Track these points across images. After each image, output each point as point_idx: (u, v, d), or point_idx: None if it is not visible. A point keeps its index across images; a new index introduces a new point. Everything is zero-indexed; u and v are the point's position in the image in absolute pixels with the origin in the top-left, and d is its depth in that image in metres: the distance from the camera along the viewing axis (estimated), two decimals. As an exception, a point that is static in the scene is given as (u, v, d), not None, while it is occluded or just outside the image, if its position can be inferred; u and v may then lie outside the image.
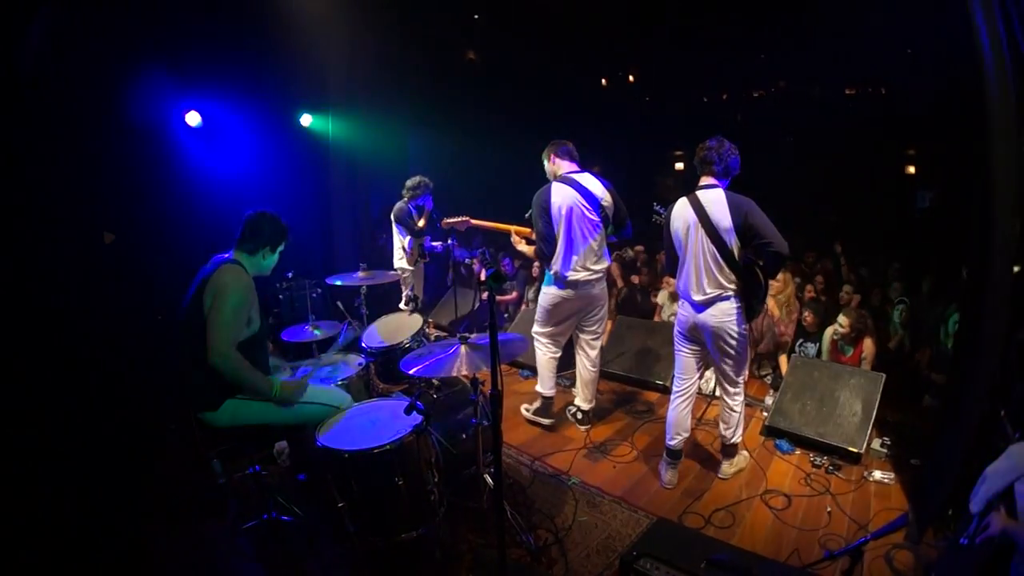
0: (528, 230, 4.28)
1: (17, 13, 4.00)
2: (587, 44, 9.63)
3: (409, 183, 5.99)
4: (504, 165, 4.59)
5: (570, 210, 3.92)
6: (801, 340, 5.26)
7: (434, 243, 6.25)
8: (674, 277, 3.72)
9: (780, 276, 5.42)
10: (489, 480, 3.05)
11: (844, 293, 6.05)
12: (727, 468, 3.83)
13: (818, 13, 8.01)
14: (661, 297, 6.61)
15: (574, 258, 3.99)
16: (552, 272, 4.08)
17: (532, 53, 9.30)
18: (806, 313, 5.27)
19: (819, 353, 5.10)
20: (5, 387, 3.74)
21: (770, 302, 5.37)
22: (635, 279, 7.15)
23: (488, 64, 9.78)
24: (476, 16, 8.76)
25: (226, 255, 2.92)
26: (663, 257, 4.68)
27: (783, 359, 5.31)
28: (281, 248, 3.07)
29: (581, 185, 3.95)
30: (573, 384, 4.73)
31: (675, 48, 10.01)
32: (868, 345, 5.00)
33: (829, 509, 3.46)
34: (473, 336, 2.86)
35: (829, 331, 5.21)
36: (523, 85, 9.71)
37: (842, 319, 4.99)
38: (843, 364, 4.89)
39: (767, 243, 3.20)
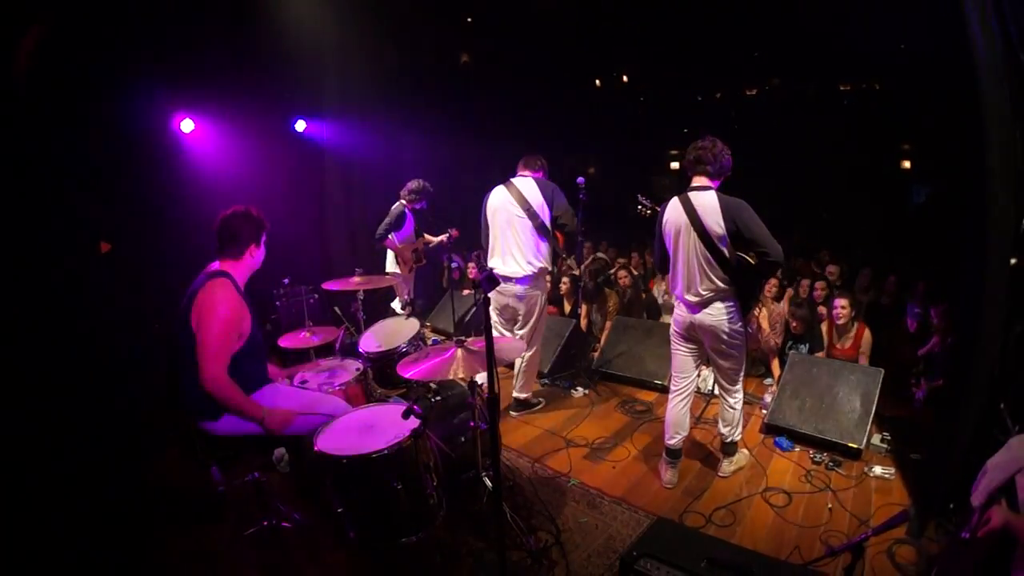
0: None
1: (14, 20, 4.00)
2: (581, 45, 9.63)
3: (411, 186, 6.01)
4: (501, 166, 4.60)
5: (496, 211, 4.32)
6: (791, 343, 5.25)
7: (434, 239, 6.29)
8: (662, 275, 3.75)
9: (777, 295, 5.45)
10: (488, 483, 3.05)
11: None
12: (727, 466, 3.83)
13: (811, 9, 8.03)
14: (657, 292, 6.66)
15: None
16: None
17: (526, 55, 9.31)
18: (792, 323, 5.24)
19: (811, 351, 5.09)
20: (3, 395, 3.72)
21: (763, 321, 5.37)
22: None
23: (482, 67, 9.79)
24: (469, 19, 8.76)
25: (214, 265, 2.89)
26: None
27: (774, 364, 5.32)
28: (264, 238, 3.00)
29: (515, 187, 4.29)
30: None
31: (668, 47, 10.02)
32: (866, 336, 5.01)
33: (830, 506, 3.46)
34: (470, 339, 2.85)
35: (825, 325, 5.22)
36: (517, 87, 9.71)
37: (839, 301, 5.02)
38: (841, 359, 4.90)
39: (763, 252, 3.20)
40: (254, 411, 2.76)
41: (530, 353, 4.57)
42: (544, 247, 4.27)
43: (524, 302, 4.37)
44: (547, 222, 4.23)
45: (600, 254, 8.15)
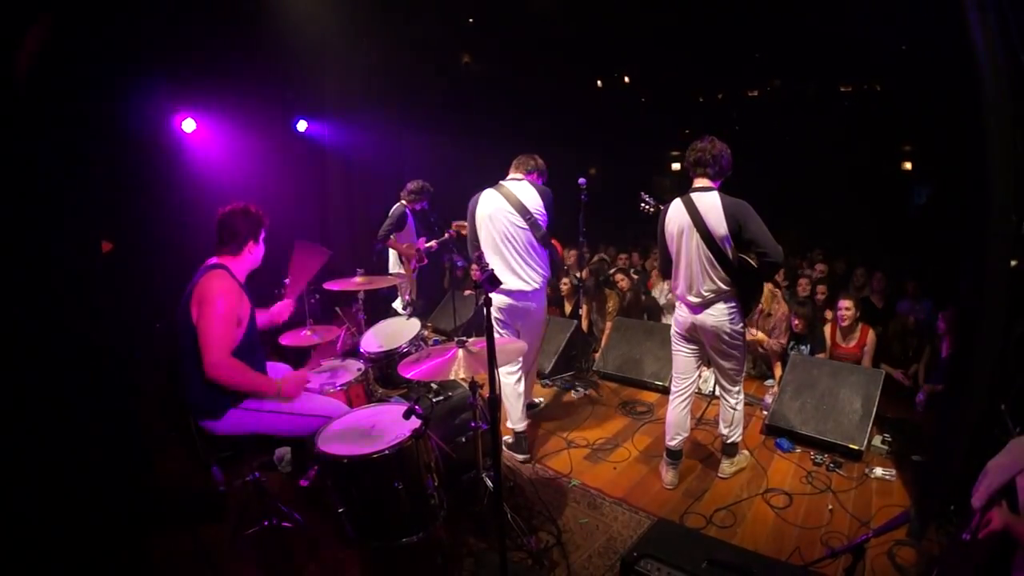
0: None
1: (15, 19, 4.00)
2: (582, 46, 9.64)
3: (411, 186, 6.02)
4: (502, 167, 4.58)
5: (490, 219, 3.87)
6: (792, 343, 5.25)
7: (428, 243, 6.29)
8: (665, 277, 3.73)
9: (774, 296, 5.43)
10: (489, 483, 3.05)
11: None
12: (728, 467, 3.83)
13: (812, 11, 8.04)
14: (656, 293, 6.65)
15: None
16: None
17: (527, 55, 9.32)
18: (796, 321, 5.21)
19: (812, 351, 5.08)
20: (4, 395, 3.73)
21: (759, 334, 5.36)
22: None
23: (483, 67, 9.80)
24: (471, 20, 8.77)
25: (211, 260, 2.91)
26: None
27: (776, 366, 5.31)
28: (263, 235, 3.03)
29: (511, 193, 3.87)
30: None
31: (670, 48, 10.03)
32: (870, 336, 4.99)
33: (831, 507, 3.46)
34: (471, 340, 2.85)
35: (827, 328, 5.21)
36: (519, 87, 9.72)
37: (843, 303, 5.00)
38: (844, 360, 4.88)
39: (763, 252, 3.21)
40: (267, 385, 2.80)
41: (532, 363, 4.44)
42: (546, 256, 4.02)
43: (536, 315, 4.11)
44: (545, 231, 3.91)
45: (603, 255, 8.17)
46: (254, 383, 2.77)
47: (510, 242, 3.85)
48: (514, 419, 4.08)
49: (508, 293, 3.89)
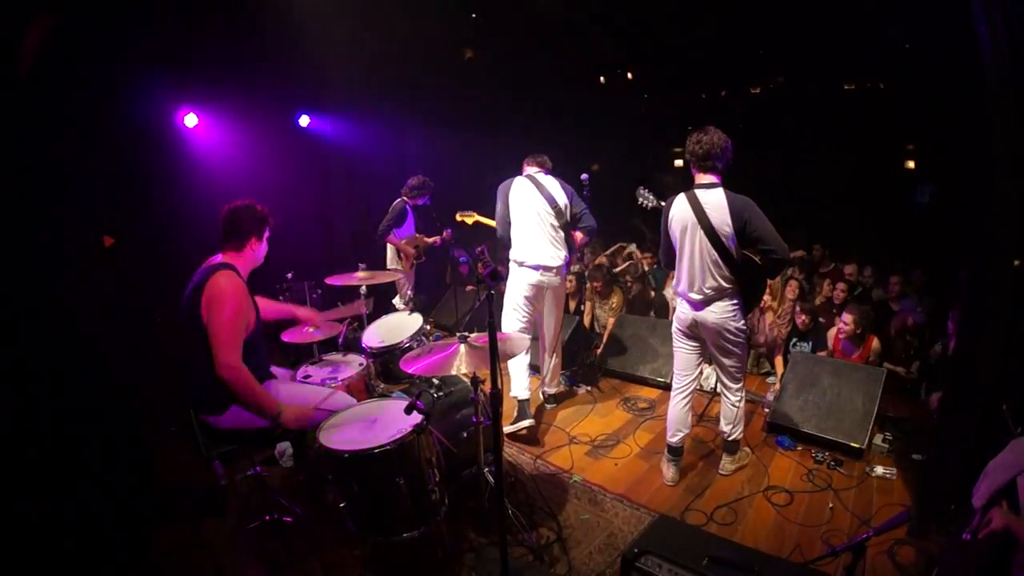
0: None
1: (17, 14, 4.00)
2: (585, 42, 9.60)
3: (412, 182, 6.01)
4: (504, 164, 4.60)
5: (525, 206, 4.32)
6: (795, 340, 5.23)
7: (428, 239, 6.28)
8: (668, 267, 3.76)
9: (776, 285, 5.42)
10: (490, 479, 3.05)
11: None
12: (729, 464, 3.83)
13: (815, 8, 8.00)
14: (669, 293, 6.65)
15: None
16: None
17: (530, 51, 9.29)
18: (801, 317, 5.16)
19: (814, 349, 5.06)
20: (4, 390, 3.73)
21: (768, 314, 5.34)
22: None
23: (486, 63, 9.76)
24: (474, 15, 8.74)
25: (217, 258, 2.90)
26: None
27: (778, 359, 5.30)
28: (267, 234, 3.03)
29: (545, 188, 4.32)
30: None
31: (673, 45, 9.98)
32: (875, 346, 4.96)
33: (831, 505, 3.46)
34: (473, 335, 2.85)
35: (832, 331, 5.18)
36: (522, 83, 9.69)
37: (846, 316, 4.94)
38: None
39: (769, 250, 3.19)
40: (269, 404, 2.74)
41: (558, 346, 4.79)
42: (565, 242, 4.43)
43: (558, 289, 4.51)
44: (567, 221, 4.36)
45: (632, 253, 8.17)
46: (257, 398, 2.72)
47: (541, 225, 4.30)
48: (518, 388, 4.31)
49: (537, 268, 4.32)
